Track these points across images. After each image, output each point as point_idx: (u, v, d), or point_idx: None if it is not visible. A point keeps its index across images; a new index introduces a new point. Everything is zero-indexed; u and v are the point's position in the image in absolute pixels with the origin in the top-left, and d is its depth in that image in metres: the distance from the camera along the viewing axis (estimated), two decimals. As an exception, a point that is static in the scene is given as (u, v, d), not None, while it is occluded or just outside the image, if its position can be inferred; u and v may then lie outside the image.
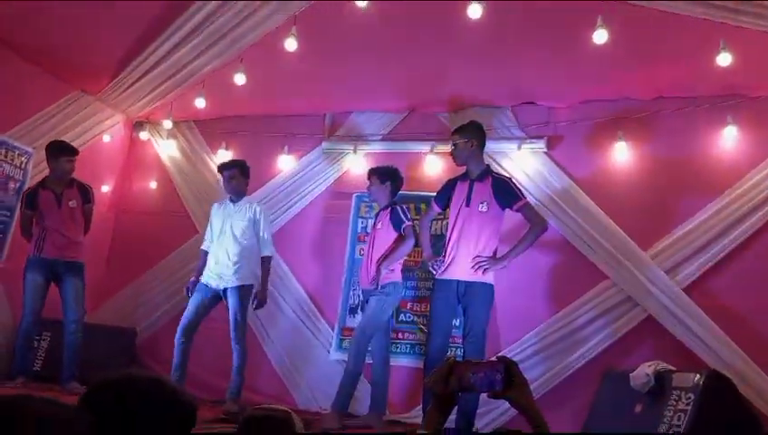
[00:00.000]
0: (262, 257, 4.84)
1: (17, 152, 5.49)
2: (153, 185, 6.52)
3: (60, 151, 4.95)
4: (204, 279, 4.84)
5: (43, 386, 4.66)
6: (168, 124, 6.26)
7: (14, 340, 4.97)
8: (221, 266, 4.78)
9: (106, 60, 5.48)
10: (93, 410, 1.32)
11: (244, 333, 4.73)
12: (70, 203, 4.95)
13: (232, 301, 4.71)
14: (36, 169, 5.52)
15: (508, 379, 1.86)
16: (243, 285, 4.76)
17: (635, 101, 5.09)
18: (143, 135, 6.56)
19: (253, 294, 4.80)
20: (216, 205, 5.11)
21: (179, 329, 4.75)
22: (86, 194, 5.09)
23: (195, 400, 1.48)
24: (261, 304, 4.81)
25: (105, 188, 6.37)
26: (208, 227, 5.05)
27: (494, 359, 1.77)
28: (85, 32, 4.98)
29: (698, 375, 3.61)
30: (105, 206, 6.25)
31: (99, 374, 1.42)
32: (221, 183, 5.15)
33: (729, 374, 4.04)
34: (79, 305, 4.85)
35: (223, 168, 5.03)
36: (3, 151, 5.39)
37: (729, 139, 4.81)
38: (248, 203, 4.98)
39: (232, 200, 4.97)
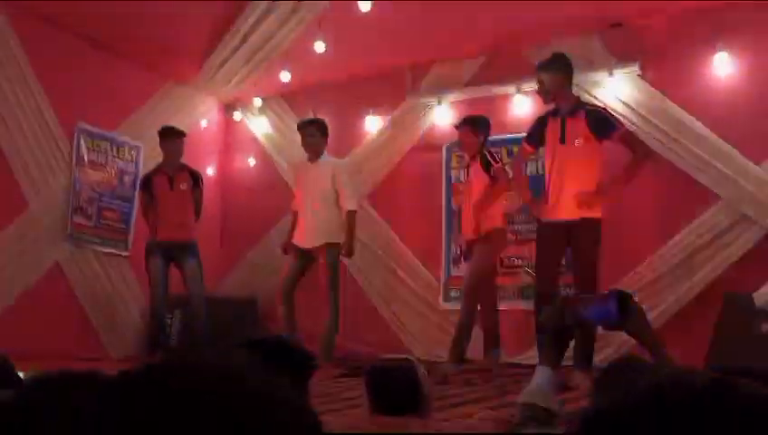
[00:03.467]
0: (347, 212, 4.92)
1: (127, 147, 5.89)
2: (252, 162, 6.81)
3: (169, 134, 5.30)
4: (295, 241, 5.01)
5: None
6: (258, 102, 6.48)
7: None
8: (309, 227, 4.93)
9: (193, 45, 5.72)
10: None
11: (337, 289, 4.88)
12: (181, 186, 5.27)
13: (322, 259, 4.88)
14: (147, 162, 5.90)
15: (622, 310, 1.86)
16: (331, 243, 4.89)
17: (729, 5, 4.74)
18: (236, 116, 6.83)
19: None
20: (295, 166, 5.26)
21: (282, 293, 4.97)
22: (196, 179, 5.40)
23: (311, 353, 1.66)
24: (348, 254, 4.93)
25: (210, 171, 6.71)
26: (295, 188, 5.21)
27: (605, 292, 1.77)
28: (171, 19, 5.20)
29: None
30: (212, 187, 6.59)
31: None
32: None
33: None
34: (198, 282, 5.19)
35: (302, 126, 5.12)
36: (114, 149, 5.80)
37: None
38: (327, 161, 5.07)
39: (310, 160, 5.07)
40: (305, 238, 4.97)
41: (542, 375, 2.12)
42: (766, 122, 4.56)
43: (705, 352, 4.15)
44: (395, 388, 2.10)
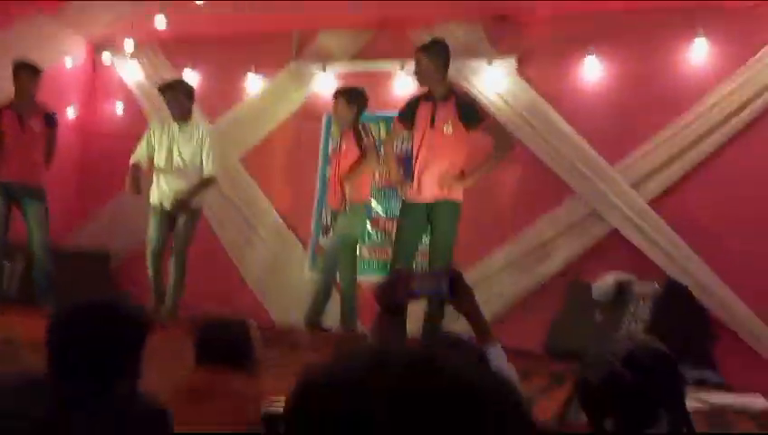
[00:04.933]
0: (206, 176, 4.79)
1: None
2: (119, 109, 6.40)
3: (22, 69, 4.87)
4: (156, 200, 4.81)
5: (19, 309, 4.66)
6: (129, 46, 6.07)
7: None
8: (173, 191, 4.76)
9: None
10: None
11: (187, 250, 4.78)
12: (32, 125, 4.88)
13: (181, 221, 4.78)
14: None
15: (454, 288, 1.92)
16: (193, 209, 4.80)
17: (606, 13, 5.00)
18: (106, 58, 6.38)
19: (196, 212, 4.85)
20: (157, 125, 4.94)
21: (150, 256, 4.78)
22: (50, 119, 5.01)
23: (145, 316, 1.59)
24: (179, 206, 4.73)
25: (70, 114, 6.24)
26: (144, 143, 4.87)
27: (438, 270, 1.80)
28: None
29: (656, 283, 3.74)
30: (70, 129, 6.14)
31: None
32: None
33: (691, 286, 4.17)
34: (41, 229, 4.84)
35: (164, 90, 4.84)
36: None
37: (699, 51, 4.77)
38: (193, 125, 4.87)
39: (176, 122, 4.81)
40: (169, 199, 4.77)
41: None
42: (623, 126, 4.87)
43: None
44: (222, 342, 2.06)
